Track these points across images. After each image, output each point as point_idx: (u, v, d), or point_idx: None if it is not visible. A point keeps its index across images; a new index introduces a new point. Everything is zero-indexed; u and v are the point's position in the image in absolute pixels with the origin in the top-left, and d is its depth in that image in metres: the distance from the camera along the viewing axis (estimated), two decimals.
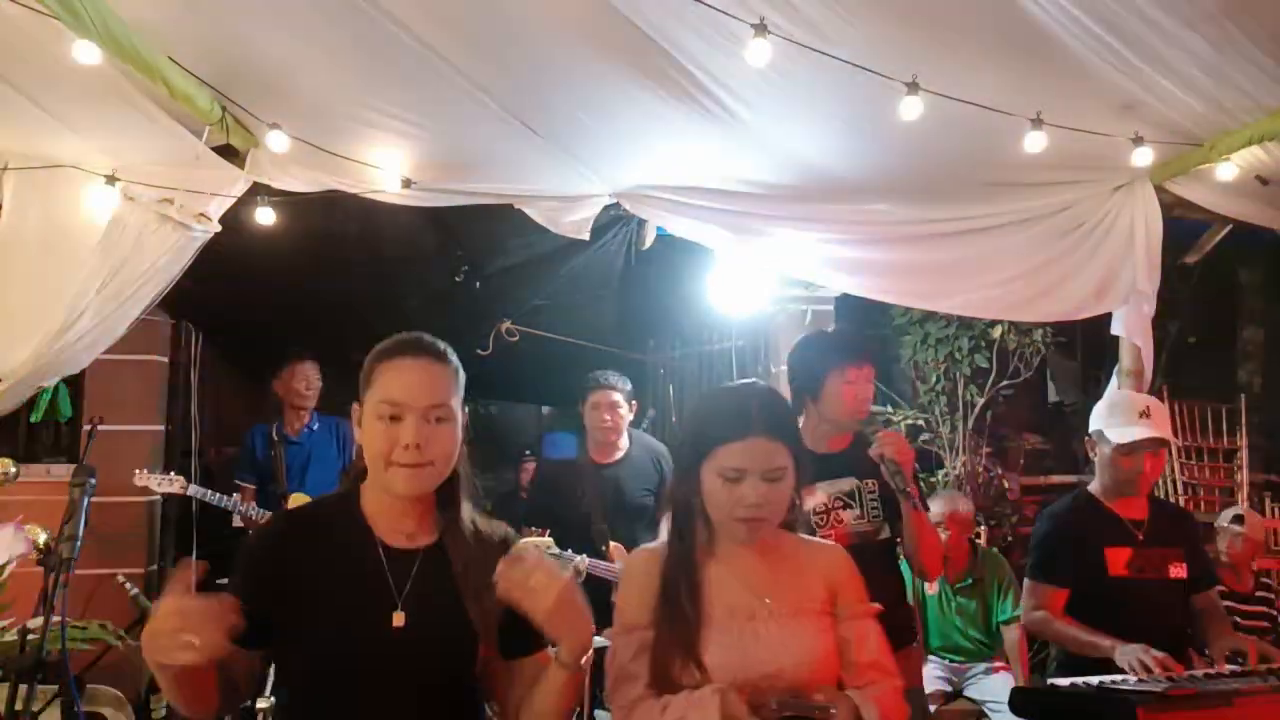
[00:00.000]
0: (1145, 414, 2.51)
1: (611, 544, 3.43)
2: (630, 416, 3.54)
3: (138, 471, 3.73)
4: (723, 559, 1.58)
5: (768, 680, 1.48)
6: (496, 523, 1.64)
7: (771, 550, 1.60)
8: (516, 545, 3.11)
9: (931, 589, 3.95)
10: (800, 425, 2.50)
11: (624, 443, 3.54)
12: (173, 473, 3.78)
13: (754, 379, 1.79)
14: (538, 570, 1.37)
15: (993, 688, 3.71)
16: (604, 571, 3.26)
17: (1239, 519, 3.95)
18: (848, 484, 2.44)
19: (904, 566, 2.59)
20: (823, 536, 2.36)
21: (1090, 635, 2.39)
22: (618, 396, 3.48)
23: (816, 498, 2.42)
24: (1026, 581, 2.63)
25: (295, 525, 1.56)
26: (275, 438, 4.07)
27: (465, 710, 1.51)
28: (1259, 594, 3.84)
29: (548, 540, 3.24)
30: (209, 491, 3.79)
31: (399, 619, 1.43)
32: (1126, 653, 2.24)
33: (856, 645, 1.57)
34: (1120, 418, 2.53)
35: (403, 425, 1.43)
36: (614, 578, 3.16)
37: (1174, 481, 5.61)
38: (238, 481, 4.10)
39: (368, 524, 1.49)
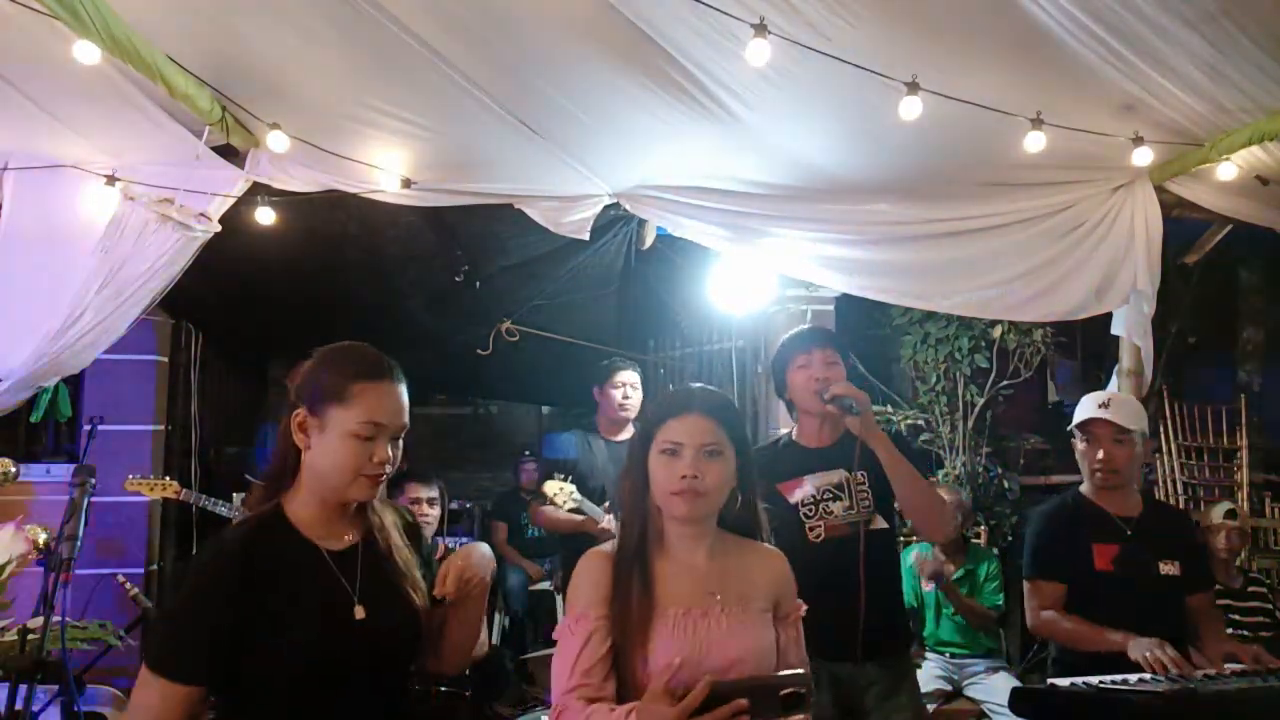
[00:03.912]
0: (1105, 405, 2.59)
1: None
2: (639, 399, 3.78)
3: (130, 476, 3.68)
4: (673, 557, 1.64)
5: (719, 675, 1.49)
6: (401, 508, 1.81)
7: (719, 552, 1.66)
8: (545, 486, 3.51)
9: (928, 585, 3.97)
10: (794, 433, 2.63)
11: (634, 425, 3.69)
12: (167, 477, 3.75)
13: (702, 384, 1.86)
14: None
15: (993, 688, 3.72)
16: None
17: (1231, 513, 3.97)
18: (837, 476, 2.46)
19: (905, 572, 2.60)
20: (811, 528, 2.42)
21: (1101, 631, 2.38)
22: (635, 378, 3.76)
23: (805, 489, 2.45)
24: (1026, 584, 2.63)
25: (233, 553, 1.53)
26: None
27: (410, 692, 1.70)
28: (1250, 590, 3.85)
29: (571, 487, 3.51)
30: (204, 496, 3.76)
31: (360, 612, 1.55)
32: (1140, 646, 2.24)
33: (787, 649, 1.65)
34: (1083, 408, 2.61)
35: (376, 443, 1.55)
36: None
37: (1174, 481, 5.61)
38: (249, 479, 4.09)
39: (301, 534, 1.57)
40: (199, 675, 1.45)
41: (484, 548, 1.70)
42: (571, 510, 3.54)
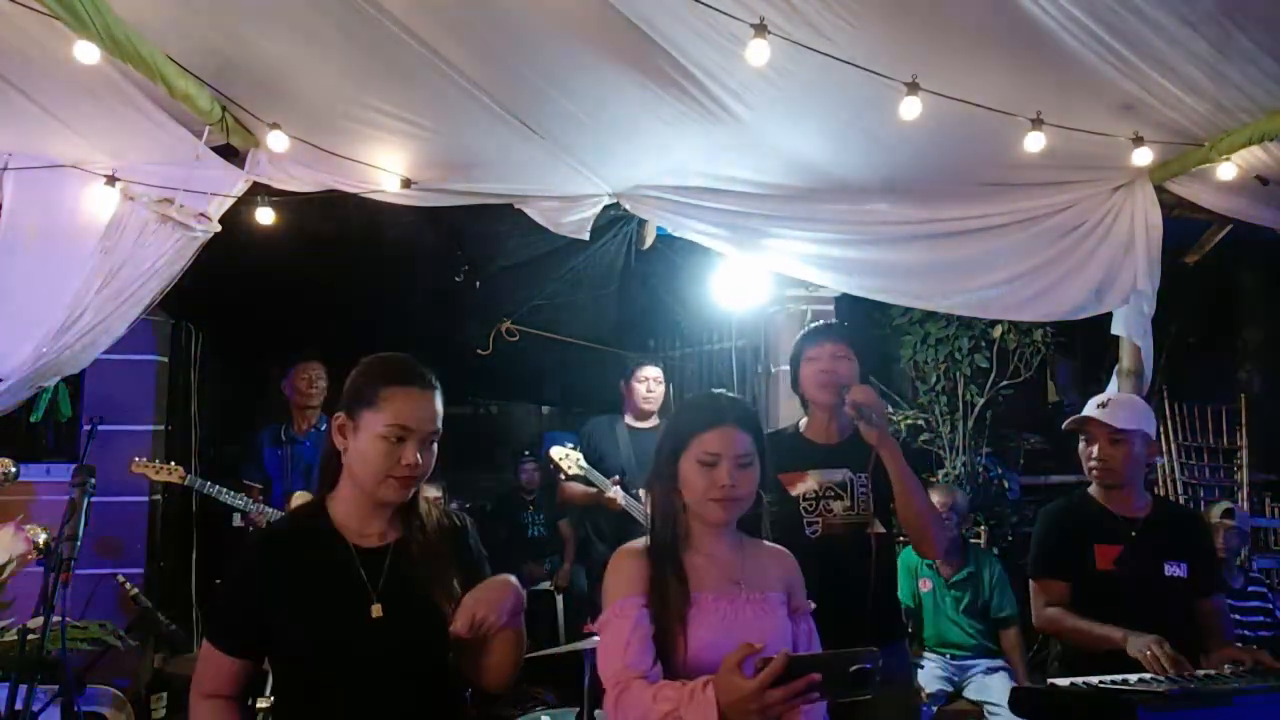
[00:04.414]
0: (1103, 405, 2.61)
1: (644, 490, 3.70)
2: (663, 390, 4.12)
3: (135, 459, 3.68)
4: (699, 550, 1.74)
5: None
6: (453, 510, 1.84)
7: (737, 546, 1.78)
8: (552, 452, 3.68)
9: (925, 586, 3.97)
10: (804, 425, 2.62)
11: (659, 415, 4.11)
12: (172, 462, 3.76)
13: (722, 389, 1.93)
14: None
15: (991, 688, 3.72)
16: (636, 511, 3.85)
17: (1229, 513, 3.98)
18: (840, 474, 2.45)
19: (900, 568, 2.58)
20: (809, 524, 2.42)
21: (1101, 629, 2.39)
22: (658, 373, 4.11)
23: (807, 484, 2.45)
24: (1031, 583, 2.64)
25: (272, 541, 1.72)
26: (283, 439, 4.07)
27: (447, 695, 1.67)
28: (1250, 590, 3.86)
29: (578, 454, 3.90)
30: (208, 483, 3.77)
31: (377, 610, 1.60)
32: (1138, 643, 2.25)
33: (798, 641, 1.75)
34: (1086, 408, 2.63)
35: (406, 446, 1.62)
36: (638, 516, 3.81)
37: (1174, 481, 5.61)
38: (245, 481, 4.10)
39: (338, 530, 1.66)
40: (235, 648, 1.61)
41: (503, 583, 1.66)
42: (575, 476, 3.90)
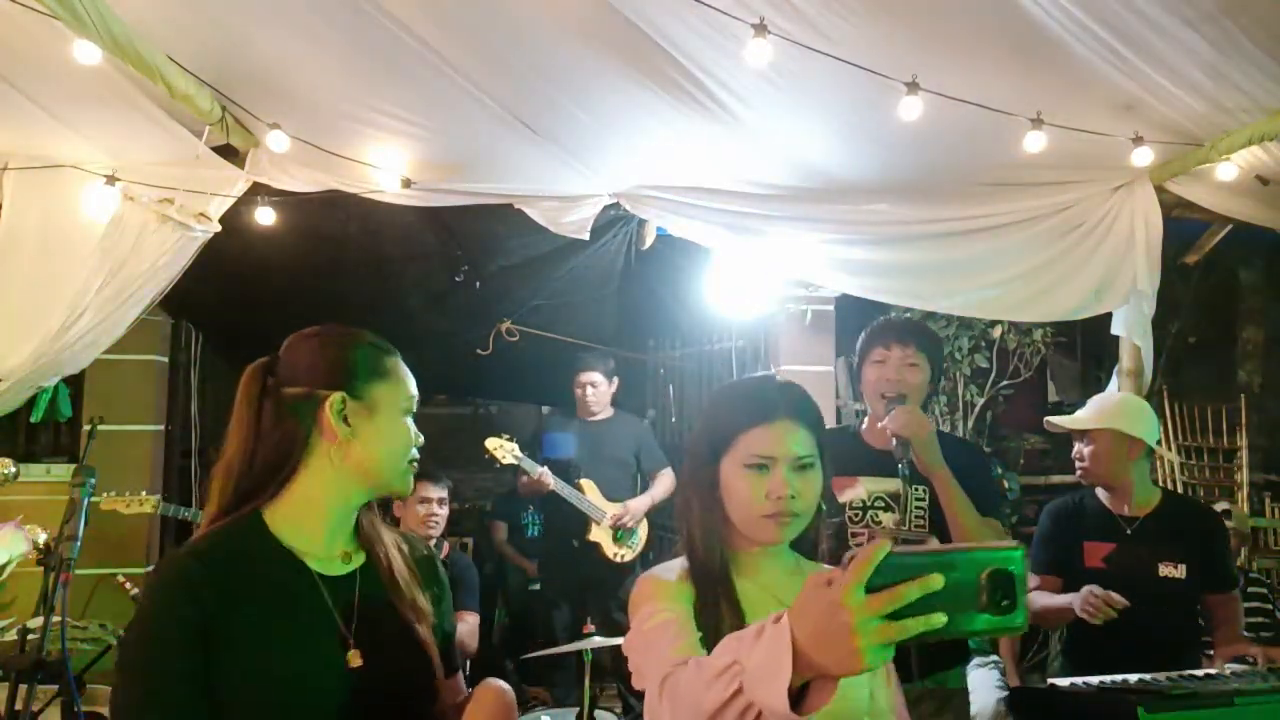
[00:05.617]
0: (1085, 407, 2.70)
1: (583, 480, 4.27)
2: (610, 389, 4.41)
3: (105, 494, 3.64)
4: (747, 576, 1.42)
5: None
6: (405, 534, 1.50)
7: (791, 570, 1.46)
8: (487, 443, 3.52)
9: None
10: (864, 425, 2.42)
11: (606, 410, 4.44)
12: (144, 492, 3.75)
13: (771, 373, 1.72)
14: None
15: (973, 679, 3.74)
16: (574, 498, 4.19)
17: (1226, 514, 3.99)
18: (894, 484, 2.20)
19: None
20: (854, 534, 2.22)
21: (1056, 600, 2.44)
22: (595, 375, 4.36)
23: (856, 491, 2.23)
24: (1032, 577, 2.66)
25: (202, 569, 1.21)
26: None
27: None
28: (1251, 590, 3.86)
29: (513, 445, 4.07)
30: (183, 509, 3.75)
31: (356, 659, 1.24)
32: (1078, 600, 2.32)
33: (874, 677, 1.47)
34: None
35: (409, 423, 1.37)
36: (577, 503, 4.19)
37: (1174, 482, 5.61)
38: None
39: (291, 551, 1.26)
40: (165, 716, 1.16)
41: (507, 704, 1.31)
42: (509, 464, 4.09)
